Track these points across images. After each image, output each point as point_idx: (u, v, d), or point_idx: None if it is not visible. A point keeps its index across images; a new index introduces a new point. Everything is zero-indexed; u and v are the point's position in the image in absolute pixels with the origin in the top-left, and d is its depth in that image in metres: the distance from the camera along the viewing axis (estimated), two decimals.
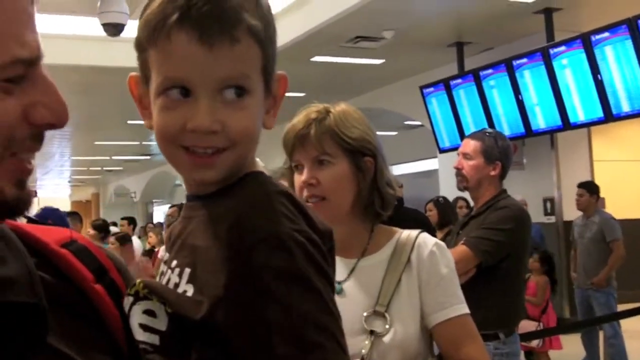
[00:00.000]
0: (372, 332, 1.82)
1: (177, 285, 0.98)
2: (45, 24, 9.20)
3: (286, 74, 1.05)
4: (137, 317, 0.97)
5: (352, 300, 1.88)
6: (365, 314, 1.85)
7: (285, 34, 8.74)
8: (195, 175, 1.01)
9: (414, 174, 15.56)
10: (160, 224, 18.52)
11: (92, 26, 8.51)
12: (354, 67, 10.69)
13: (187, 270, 0.98)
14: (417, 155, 15.05)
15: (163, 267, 1.06)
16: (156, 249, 9.91)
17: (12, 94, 0.82)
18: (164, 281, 1.02)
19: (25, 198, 0.86)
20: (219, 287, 0.92)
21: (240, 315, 0.91)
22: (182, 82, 0.95)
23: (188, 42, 0.93)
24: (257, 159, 1.07)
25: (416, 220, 4.54)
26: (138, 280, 0.99)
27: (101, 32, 7.62)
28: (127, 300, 0.99)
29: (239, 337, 0.91)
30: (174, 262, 1.02)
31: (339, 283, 1.89)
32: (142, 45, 0.99)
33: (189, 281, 0.97)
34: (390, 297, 1.86)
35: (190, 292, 0.96)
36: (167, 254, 1.07)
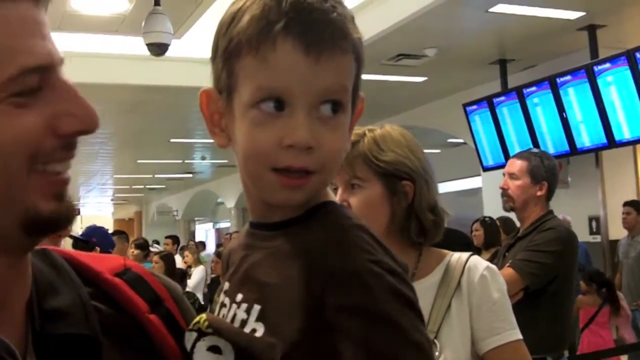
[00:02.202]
0: None
1: (244, 321, 0.93)
2: (91, 43, 9.35)
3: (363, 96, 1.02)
4: (201, 355, 0.93)
5: None
6: None
7: None
8: (280, 197, 0.95)
9: (457, 193, 15.42)
10: (202, 243, 18.64)
11: (136, 46, 8.61)
12: (395, 85, 10.66)
13: (257, 307, 0.93)
14: (460, 173, 14.92)
15: (224, 299, 1.01)
16: (194, 270, 9.92)
17: (28, 107, 0.79)
18: (228, 315, 0.97)
19: (64, 211, 0.84)
20: (294, 330, 0.87)
21: (301, 353, 0.86)
22: (281, 93, 0.90)
23: (294, 50, 0.88)
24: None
25: (459, 242, 4.47)
26: (203, 318, 0.95)
27: (145, 51, 7.70)
28: (190, 336, 0.95)
29: None
30: (239, 297, 0.97)
31: None
32: (230, 53, 0.93)
33: (258, 319, 0.92)
34: (440, 323, 1.82)
35: (260, 331, 0.91)
36: (227, 284, 1.03)
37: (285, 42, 0.88)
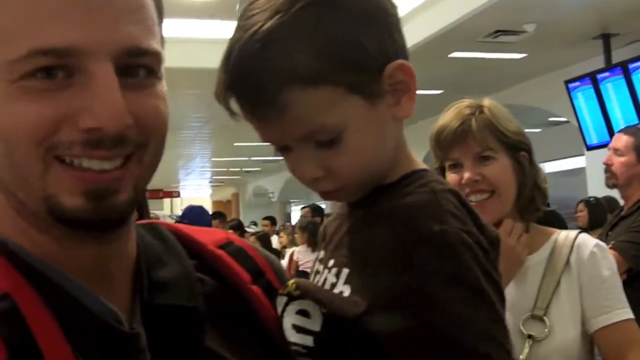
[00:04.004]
0: (530, 337, 1.76)
1: (333, 285, 0.96)
2: (187, 28, 9.50)
3: (401, 62, 0.94)
4: (290, 318, 0.95)
5: (508, 303, 1.79)
6: (522, 317, 1.78)
7: (423, 30, 8.64)
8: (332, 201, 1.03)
9: (560, 173, 15.08)
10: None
11: (231, 30, 8.70)
12: (494, 63, 10.45)
13: (345, 271, 0.95)
14: (562, 153, 14.57)
15: (318, 266, 1.04)
16: (289, 251, 10.08)
17: (45, 95, 0.76)
18: (320, 281, 1.00)
19: (97, 212, 0.79)
20: (378, 289, 0.89)
21: (400, 320, 0.86)
22: (275, 144, 0.96)
23: (246, 114, 0.92)
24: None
25: (557, 224, 4.34)
26: (291, 281, 0.98)
27: None
28: (281, 300, 0.97)
29: (396, 342, 0.87)
30: (331, 262, 1.00)
31: None
32: None
33: (346, 282, 0.94)
34: (549, 301, 1.79)
35: (347, 292, 0.93)
36: (322, 252, 1.05)
37: (237, 107, 0.93)
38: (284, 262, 10.44)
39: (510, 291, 1.81)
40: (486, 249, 0.89)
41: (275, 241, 11.57)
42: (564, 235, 1.88)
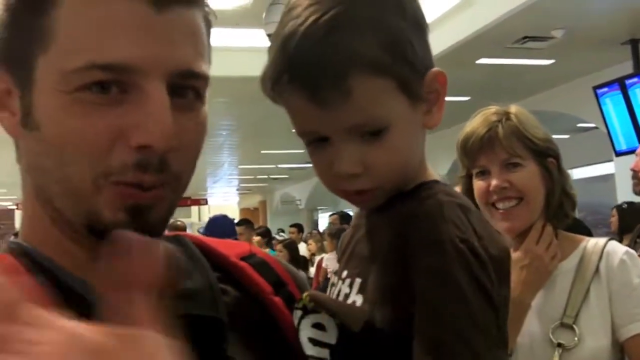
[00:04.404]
0: (559, 345, 1.75)
1: (347, 296, 0.98)
2: (212, 37, 9.55)
3: (440, 71, 0.97)
4: (306, 331, 0.96)
5: (537, 311, 1.81)
6: (552, 325, 1.78)
7: (450, 37, 8.62)
8: (354, 204, 1.01)
9: (589, 179, 14.94)
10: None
11: (257, 38, 8.73)
12: (521, 69, 10.41)
13: (358, 281, 0.97)
14: (591, 159, 14.44)
15: (334, 279, 1.05)
16: (317, 258, 10.09)
17: (100, 110, 0.77)
18: (334, 293, 1.02)
19: (138, 228, 0.78)
20: (378, 292, 0.91)
21: (389, 316, 0.89)
22: (315, 134, 0.94)
23: (304, 101, 0.90)
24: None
25: (583, 231, 4.31)
26: (305, 294, 0.98)
27: (266, 43, 7.80)
28: (296, 314, 0.98)
29: (393, 341, 0.88)
30: (344, 273, 1.02)
31: None
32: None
33: (359, 292, 0.96)
34: (578, 309, 1.78)
35: (359, 302, 0.94)
36: (338, 264, 1.07)
37: (293, 94, 0.91)
38: (312, 270, 10.45)
39: (539, 299, 1.81)
40: (481, 258, 0.88)
41: (302, 248, 11.58)
42: (593, 243, 1.87)
